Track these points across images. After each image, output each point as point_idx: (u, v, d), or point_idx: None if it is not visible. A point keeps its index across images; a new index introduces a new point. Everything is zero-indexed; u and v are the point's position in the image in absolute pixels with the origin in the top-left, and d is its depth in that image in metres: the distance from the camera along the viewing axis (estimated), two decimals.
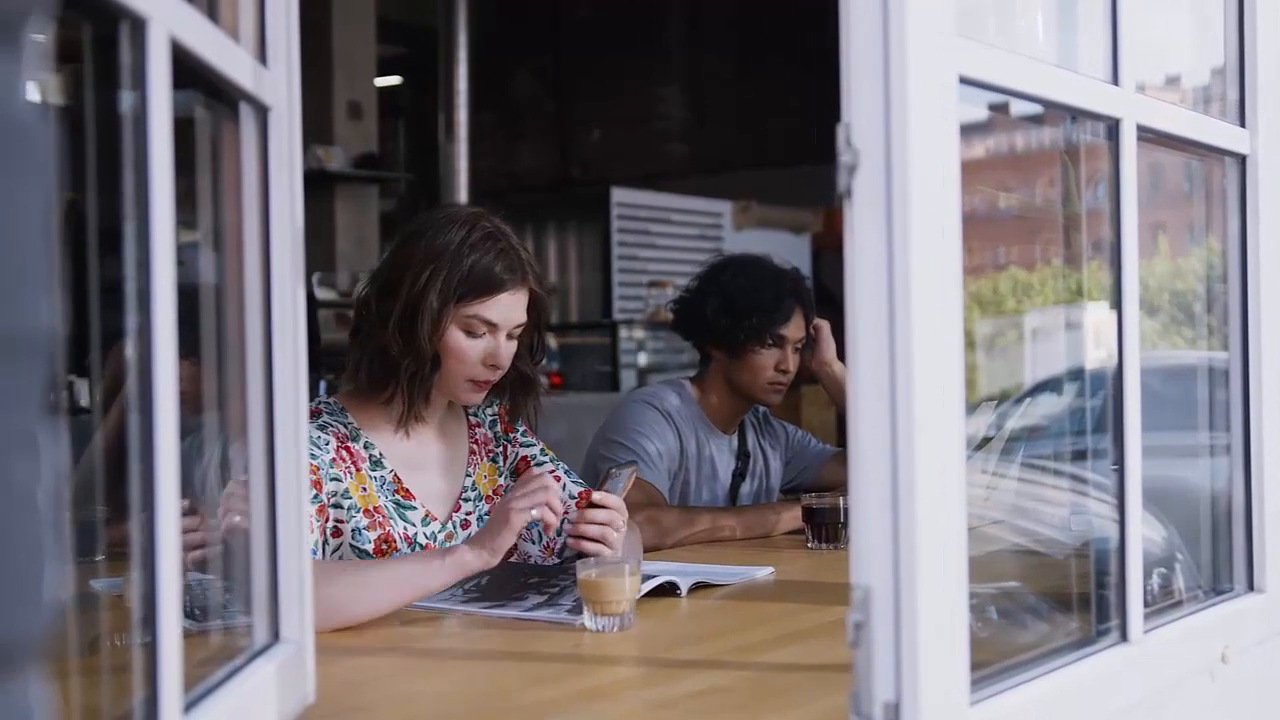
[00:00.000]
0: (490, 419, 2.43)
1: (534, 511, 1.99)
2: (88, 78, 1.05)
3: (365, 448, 2.23)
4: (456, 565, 1.98)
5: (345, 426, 2.23)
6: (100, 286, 1.06)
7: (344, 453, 2.19)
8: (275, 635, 1.38)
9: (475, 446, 2.39)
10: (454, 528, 2.29)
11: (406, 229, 2.28)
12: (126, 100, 1.02)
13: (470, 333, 2.20)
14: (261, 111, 1.35)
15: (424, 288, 2.16)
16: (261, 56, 1.35)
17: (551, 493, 2.01)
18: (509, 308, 2.22)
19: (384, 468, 2.23)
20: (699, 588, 2.20)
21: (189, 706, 1.10)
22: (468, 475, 2.35)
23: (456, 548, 2.02)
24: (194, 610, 1.38)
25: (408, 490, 2.24)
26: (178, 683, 1.04)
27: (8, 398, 0.57)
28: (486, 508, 2.34)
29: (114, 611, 1.43)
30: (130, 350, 1.03)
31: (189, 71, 1.12)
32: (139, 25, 1.00)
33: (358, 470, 2.19)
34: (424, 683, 1.70)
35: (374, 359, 2.21)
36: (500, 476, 2.40)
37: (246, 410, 1.38)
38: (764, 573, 2.36)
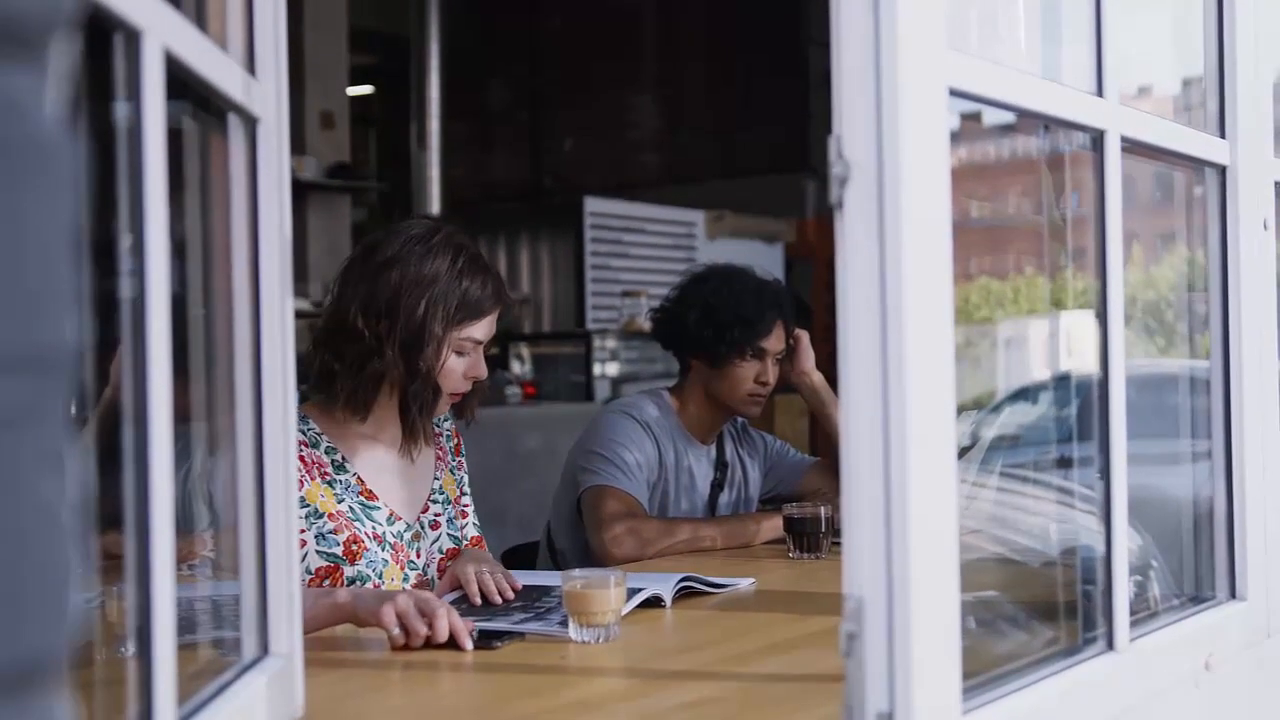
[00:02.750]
0: (446, 433, 2.51)
1: (395, 631, 1.84)
2: (79, 88, 1.04)
3: (327, 453, 2.28)
4: (333, 607, 1.95)
5: (304, 433, 2.27)
6: (92, 298, 1.05)
7: (298, 461, 2.21)
8: (264, 649, 1.37)
9: (440, 453, 2.47)
10: (422, 528, 2.37)
11: (381, 254, 2.27)
12: (120, 111, 1.02)
13: (460, 352, 2.29)
14: (250, 123, 1.35)
15: (425, 316, 2.23)
16: (250, 68, 1.35)
17: (433, 627, 1.84)
18: (491, 325, 2.33)
19: (348, 471, 2.28)
20: (686, 595, 2.20)
21: None
22: (435, 479, 2.42)
23: (337, 593, 1.98)
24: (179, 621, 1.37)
25: (371, 491, 2.30)
26: (171, 697, 1.03)
27: (34, 414, 0.57)
28: (453, 511, 2.43)
29: (98, 625, 1.43)
30: (124, 363, 1.03)
31: (179, 82, 1.12)
32: (133, 37, 0.99)
33: (313, 479, 2.24)
34: (411, 696, 1.69)
35: (371, 384, 2.25)
36: (457, 487, 2.49)
37: (234, 423, 1.37)
38: (747, 583, 2.37)
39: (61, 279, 0.58)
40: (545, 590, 2.20)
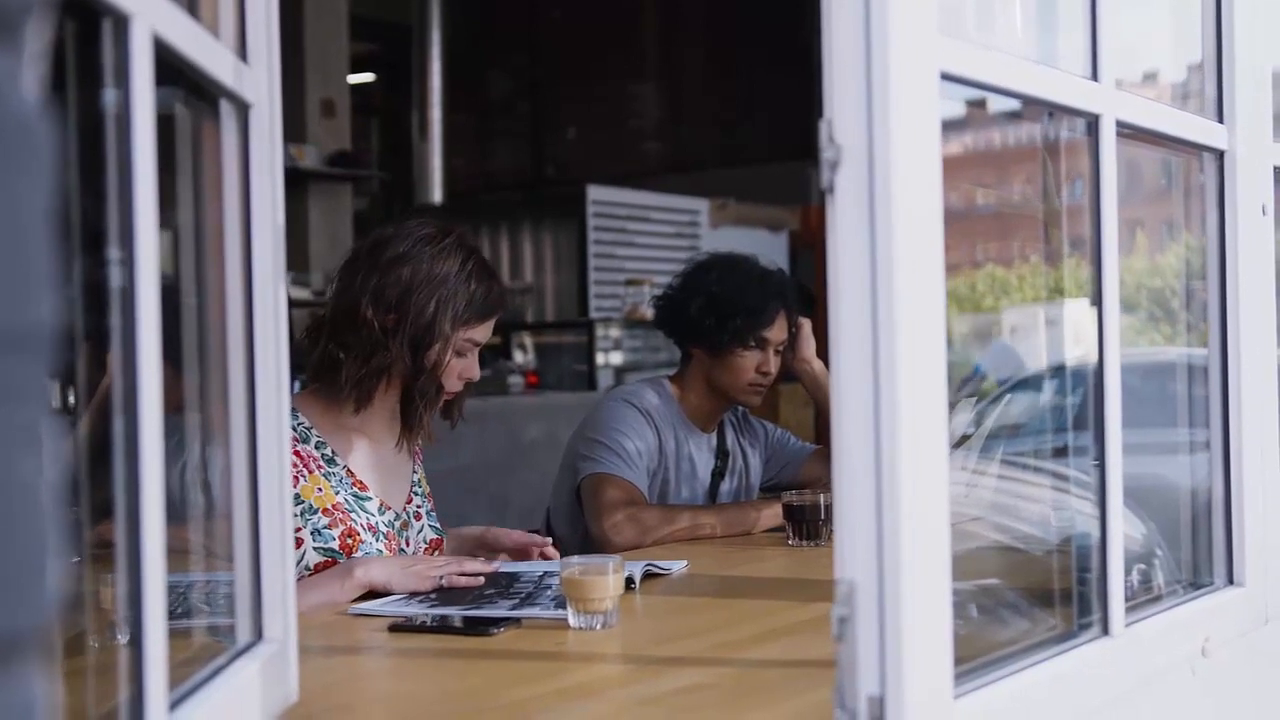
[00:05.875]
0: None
1: (443, 581, 2.14)
2: (69, 74, 1.04)
3: (317, 447, 2.31)
4: (358, 585, 2.12)
5: (294, 429, 2.29)
6: (81, 286, 1.05)
7: (294, 456, 2.24)
8: (259, 634, 1.37)
9: (417, 449, 2.51)
10: (408, 517, 2.42)
11: (391, 250, 2.31)
12: (108, 97, 1.02)
13: (460, 353, 2.34)
14: (243, 109, 1.35)
15: (434, 316, 2.27)
16: (242, 53, 1.35)
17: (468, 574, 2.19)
18: (490, 328, 2.39)
19: (337, 464, 2.32)
20: (687, 582, 2.21)
21: (173, 705, 1.10)
22: (415, 472, 2.48)
23: (353, 569, 2.13)
24: (173, 609, 1.37)
25: (362, 482, 2.34)
26: (163, 682, 1.03)
27: (13, 392, 0.57)
28: (430, 505, 2.50)
29: (92, 613, 1.43)
30: (112, 352, 1.03)
31: (169, 68, 1.12)
32: (122, 22, 0.99)
33: (310, 472, 2.27)
34: (407, 682, 1.69)
35: (375, 376, 2.29)
36: (427, 483, 2.54)
37: (228, 411, 1.37)
38: (679, 566, 2.40)
39: (39, 260, 0.59)
40: (515, 576, 2.21)
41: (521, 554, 2.43)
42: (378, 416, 2.37)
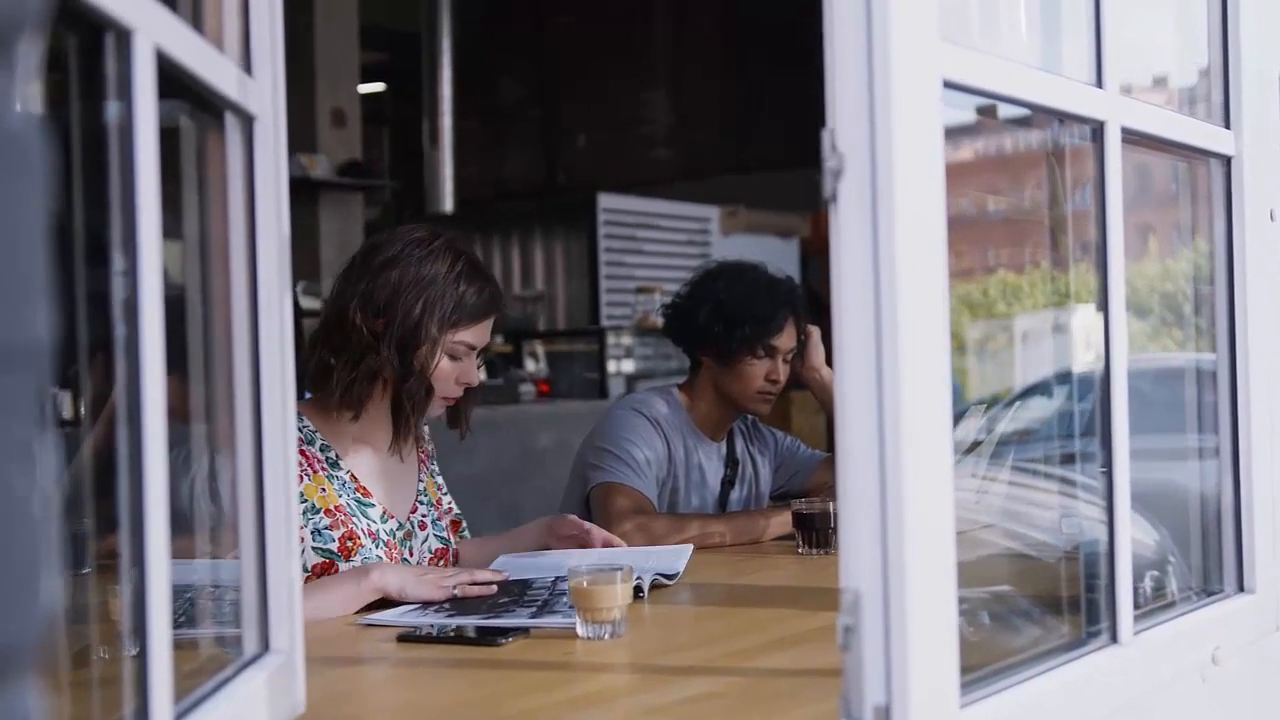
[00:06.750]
0: (426, 439, 2.58)
1: (456, 591, 2.14)
2: (72, 87, 1.04)
3: (321, 450, 2.32)
4: (373, 589, 2.11)
5: (300, 430, 2.29)
6: (85, 298, 1.06)
7: (299, 456, 2.25)
8: (265, 645, 1.38)
9: (423, 457, 2.52)
10: (413, 527, 2.42)
11: (381, 254, 2.33)
12: (111, 110, 1.02)
13: (453, 357, 2.33)
14: (247, 121, 1.35)
15: (421, 317, 2.27)
16: (246, 66, 1.35)
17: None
18: (485, 332, 2.37)
19: (341, 469, 2.33)
20: (656, 587, 2.24)
21: (179, 717, 1.10)
22: (420, 481, 2.48)
23: (369, 573, 2.12)
24: (180, 619, 1.38)
25: (365, 489, 2.35)
26: (168, 693, 1.03)
27: (5, 408, 0.57)
28: (436, 514, 2.49)
29: (100, 624, 1.43)
30: (117, 363, 1.03)
31: (173, 81, 1.12)
32: (124, 36, 1.00)
33: (315, 473, 2.28)
34: (414, 693, 1.69)
35: (366, 380, 2.29)
36: (437, 490, 2.53)
37: (234, 422, 1.37)
38: (685, 551, 2.44)
39: (32, 275, 0.59)
40: (527, 584, 2.21)
41: (582, 543, 2.46)
42: (379, 425, 2.37)
